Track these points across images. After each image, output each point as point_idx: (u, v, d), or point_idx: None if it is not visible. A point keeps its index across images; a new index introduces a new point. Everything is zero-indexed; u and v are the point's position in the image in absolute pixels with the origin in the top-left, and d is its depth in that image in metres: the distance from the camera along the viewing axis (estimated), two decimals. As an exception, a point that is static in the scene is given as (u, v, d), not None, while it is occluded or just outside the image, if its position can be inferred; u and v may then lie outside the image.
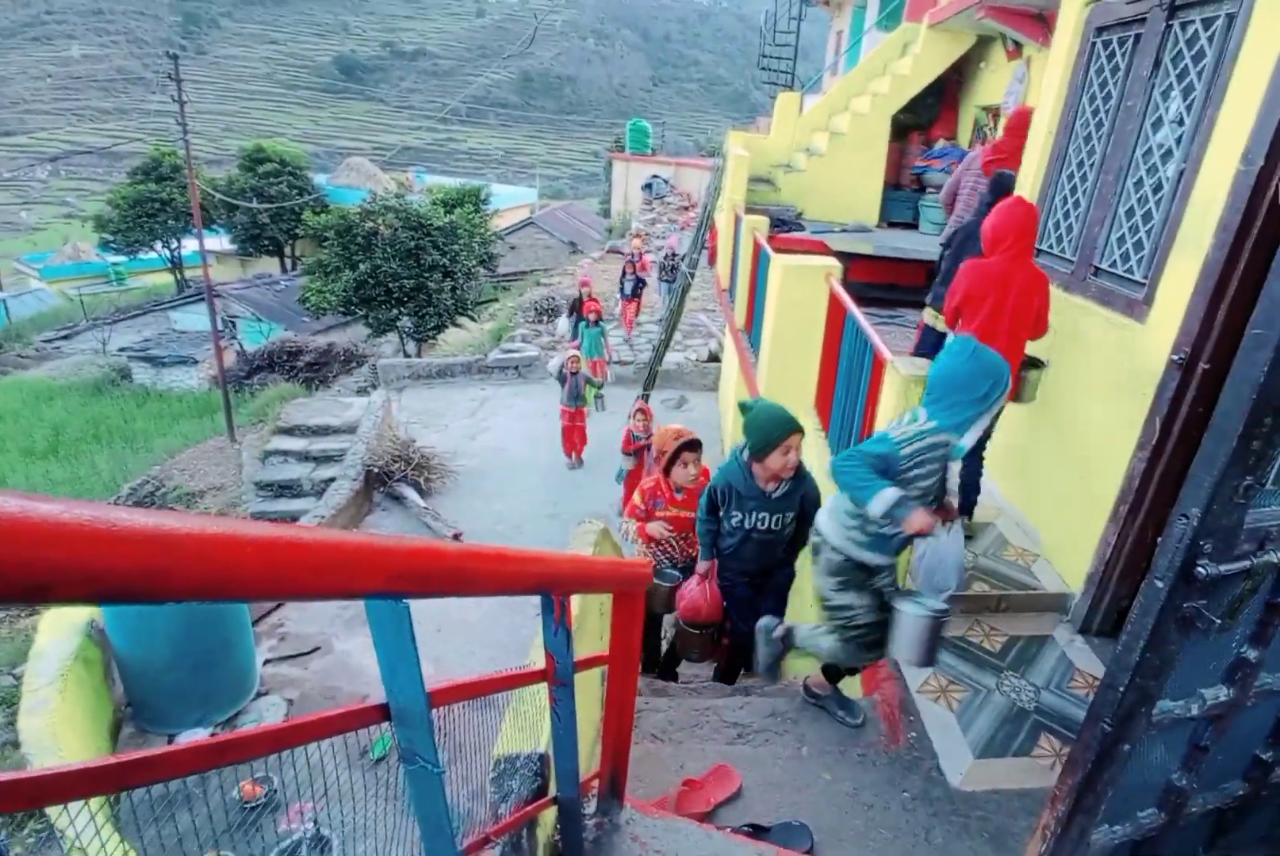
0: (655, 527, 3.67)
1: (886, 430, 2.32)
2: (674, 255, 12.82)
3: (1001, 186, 3.85)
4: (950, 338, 3.02)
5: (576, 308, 10.10)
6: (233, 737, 0.75)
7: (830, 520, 2.39)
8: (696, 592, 3.29)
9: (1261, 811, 1.62)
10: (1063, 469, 3.39)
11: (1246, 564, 1.32)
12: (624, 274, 12.55)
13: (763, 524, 3.15)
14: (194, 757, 0.73)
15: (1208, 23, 2.70)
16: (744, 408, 3.09)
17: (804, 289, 4.68)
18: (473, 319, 16.31)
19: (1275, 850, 1.67)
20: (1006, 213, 3.15)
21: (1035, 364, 3.33)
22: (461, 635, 5.25)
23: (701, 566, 3.33)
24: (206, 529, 0.60)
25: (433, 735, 0.90)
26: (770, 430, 2.91)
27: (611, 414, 9.31)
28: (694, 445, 3.65)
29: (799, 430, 2.95)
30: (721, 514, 3.23)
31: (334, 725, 0.86)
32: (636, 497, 3.80)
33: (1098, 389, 3.18)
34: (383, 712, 0.89)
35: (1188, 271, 2.62)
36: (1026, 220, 3.09)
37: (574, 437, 8.52)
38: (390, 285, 13.92)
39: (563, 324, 10.28)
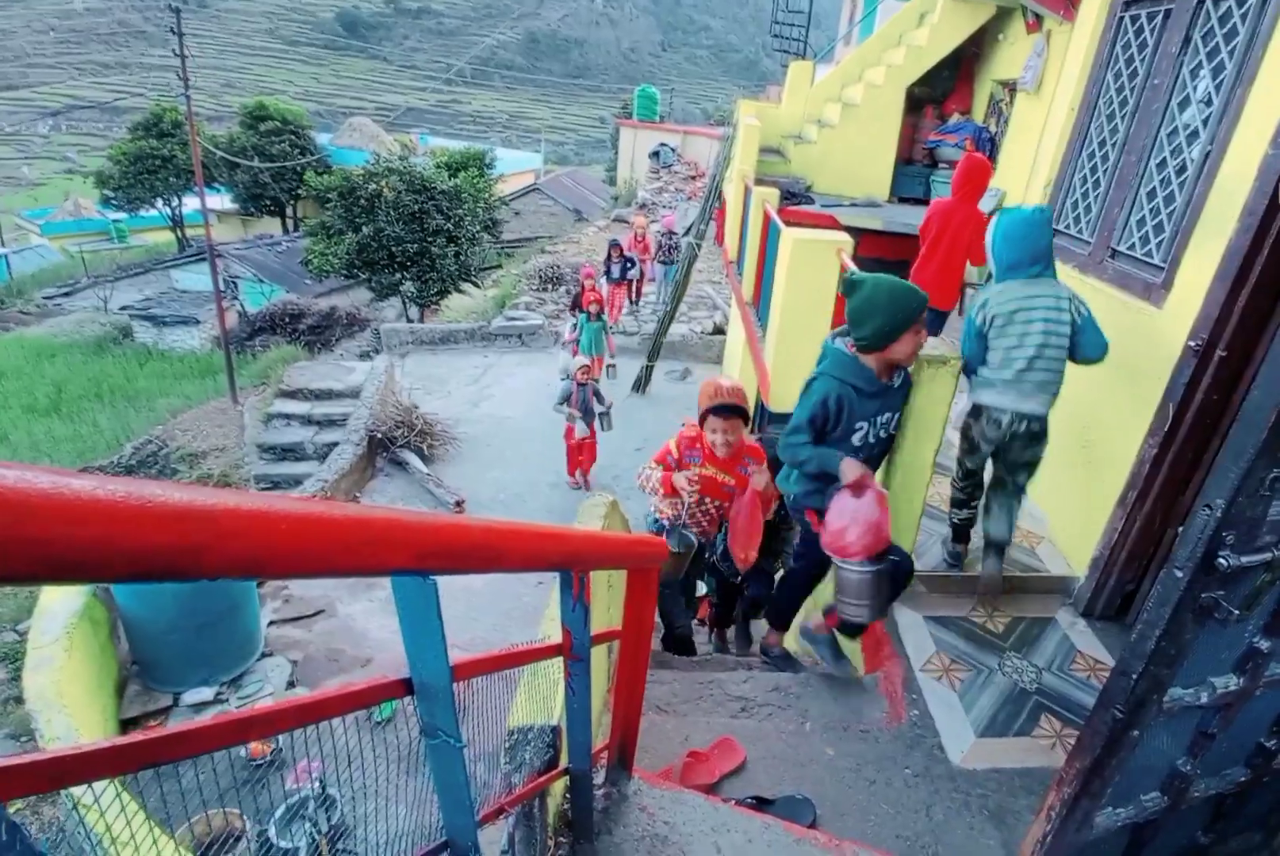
0: (681, 478, 3.05)
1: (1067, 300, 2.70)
2: (671, 235, 11.80)
3: None
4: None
5: (577, 301, 8.95)
6: (258, 713, 0.75)
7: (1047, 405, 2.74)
8: (867, 508, 2.36)
9: (1260, 796, 1.64)
10: (1071, 452, 3.37)
11: (1268, 556, 1.31)
12: (609, 257, 10.76)
13: (885, 429, 2.61)
14: (219, 733, 0.73)
15: (1241, 0, 2.61)
16: (852, 285, 2.46)
17: (815, 264, 4.62)
18: (476, 285, 16.17)
19: (1270, 833, 1.70)
20: (963, 165, 4.34)
21: None
22: (465, 601, 5.30)
23: (850, 470, 2.36)
24: (241, 504, 0.58)
25: (455, 710, 0.90)
26: (907, 307, 2.36)
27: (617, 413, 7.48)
28: (725, 411, 2.97)
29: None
30: (836, 435, 2.49)
31: (358, 699, 0.86)
32: (671, 444, 3.21)
33: (1109, 373, 3.15)
34: (406, 687, 0.89)
35: (1209, 256, 2.58)
36: (974, 171, 4.26)
37: (581, 457, 7.32)
38: (393, 249, 13.76)
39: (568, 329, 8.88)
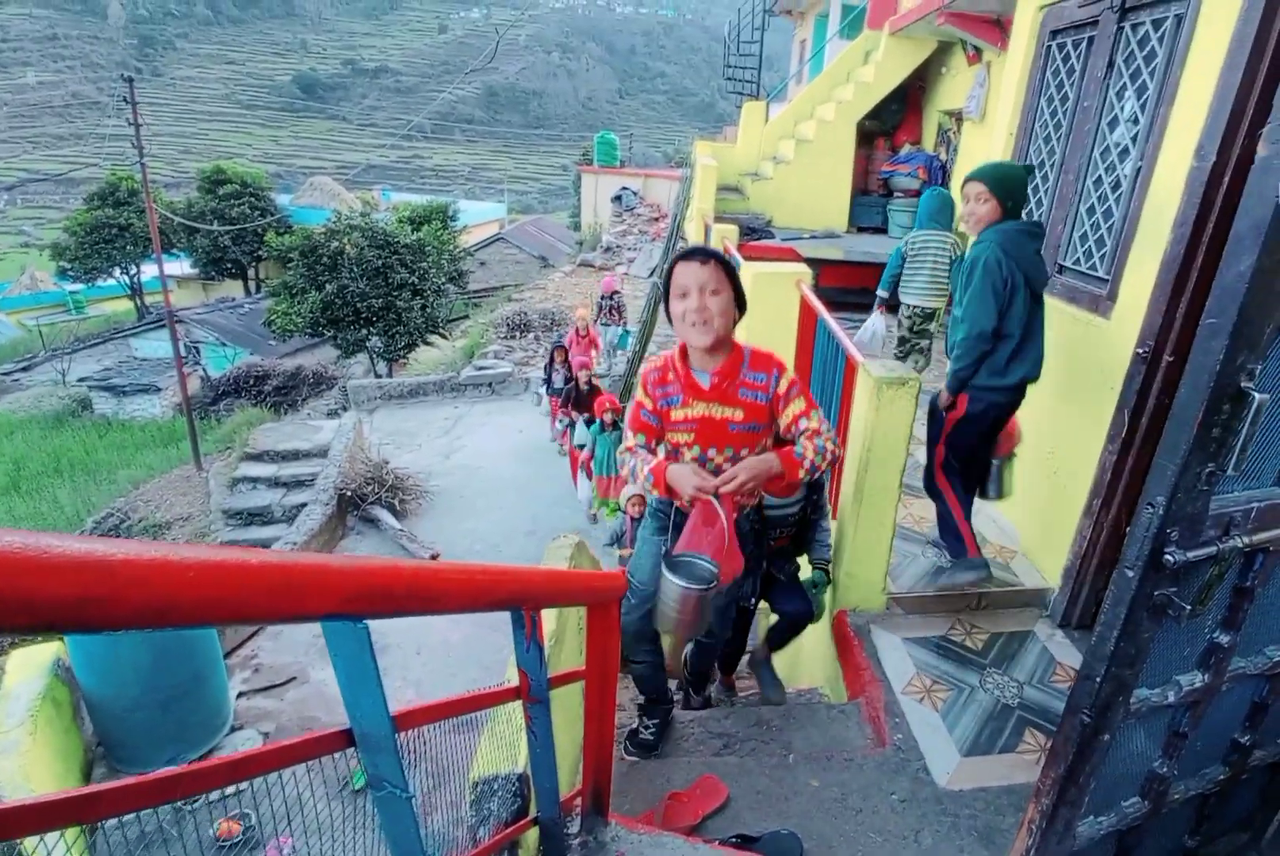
0: (687, 476, 1.93)
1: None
2: (614, 295, 10.70)
3: None
4: None
5: (575, 399, 6.86)
6: (186, 770, 0.72)
7: (938, 301, 5.04)
8: None
9: (1242, 795, 1.63)
10: (1036, 465, 3.42)
11: (1213, 549, 1.33)
12: (551, 361, 8.29)
13: None
14: (146, 791, 0.70)
15: (1157, 24, 2.76)
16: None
17: (775, 295, 4.70)
18: (444, 337, 16.21)
19: (1257, 833, 1.68)
20: None
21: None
22: (442, 657, 5.17)
23: None
24: (143, 554, 0.58)
25: (400, 759, 0.87)
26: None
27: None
28: (698, 255, 1.91)
29: None
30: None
31: (296, 753, 0.83)
32: (639, 391, 2.12)
33: (1067, 385, 3.22)
34: (347, 738, 0.86)
35: (1148, 266, 2.67)
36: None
37: None
38: (358, 305, 13.78)
39: (581, 433, 6.71)
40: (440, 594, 0.87)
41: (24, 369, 22.03)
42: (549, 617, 2.00)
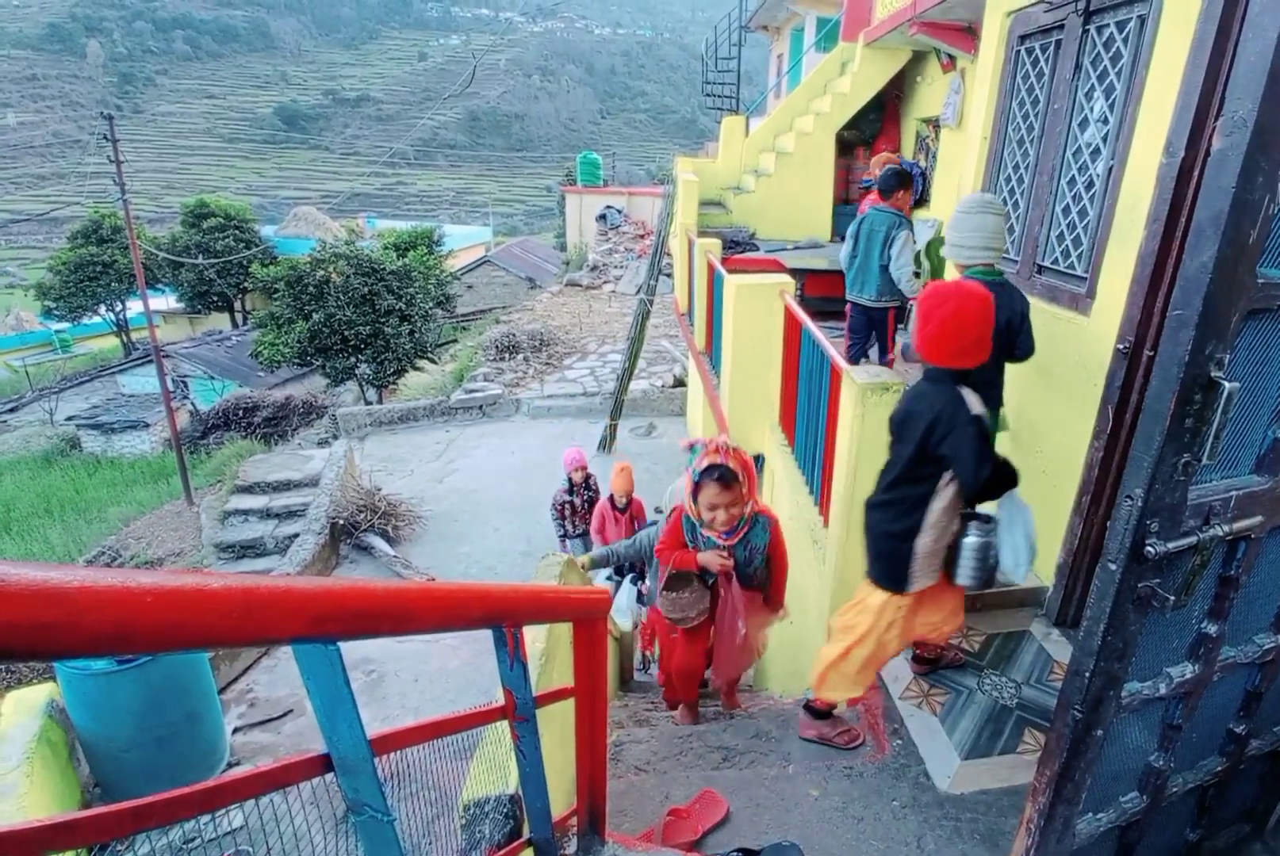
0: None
1: None
2: (590, 478, 6.23)
3: None
4: None
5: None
6: (155, 800, 0.71)
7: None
8: None
9: (1241, 786, 1.62)
10: (1025, 463, 3.41)
11: (1194, 539, 1.33)
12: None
13: None
14: (120, 820, 0.69)
15: (1121, 25, 2.81)
16: None
17: (759, 307, 4.72)
18: (433, 361, 16.20)
19: (1259, 823, 1.67)
20: None
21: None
22: (441, 684, 5.11)
23: None
24: (100, 581, 0.58)
25: (379, 782, 0.86)
26: None
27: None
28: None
29: None
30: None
31: (272, 779, 0.82)
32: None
33: (1052, 383, 3.24)
34: (325, 763, 0.85)
35: (1125, 263, 2.69)
36: None
37: None
38: (346, 333, 13.76)
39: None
40: (412, 613, 0.87)
41: (11, 410, 21.90)
42: (539, 635, 1.99)
